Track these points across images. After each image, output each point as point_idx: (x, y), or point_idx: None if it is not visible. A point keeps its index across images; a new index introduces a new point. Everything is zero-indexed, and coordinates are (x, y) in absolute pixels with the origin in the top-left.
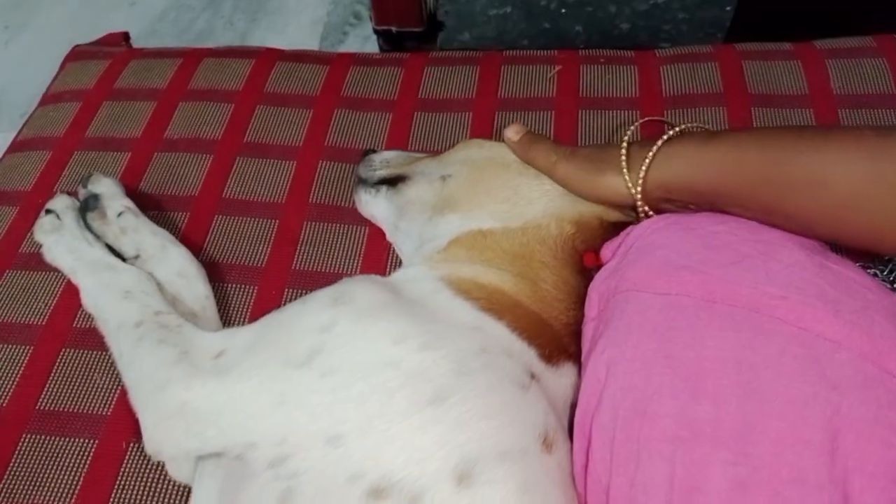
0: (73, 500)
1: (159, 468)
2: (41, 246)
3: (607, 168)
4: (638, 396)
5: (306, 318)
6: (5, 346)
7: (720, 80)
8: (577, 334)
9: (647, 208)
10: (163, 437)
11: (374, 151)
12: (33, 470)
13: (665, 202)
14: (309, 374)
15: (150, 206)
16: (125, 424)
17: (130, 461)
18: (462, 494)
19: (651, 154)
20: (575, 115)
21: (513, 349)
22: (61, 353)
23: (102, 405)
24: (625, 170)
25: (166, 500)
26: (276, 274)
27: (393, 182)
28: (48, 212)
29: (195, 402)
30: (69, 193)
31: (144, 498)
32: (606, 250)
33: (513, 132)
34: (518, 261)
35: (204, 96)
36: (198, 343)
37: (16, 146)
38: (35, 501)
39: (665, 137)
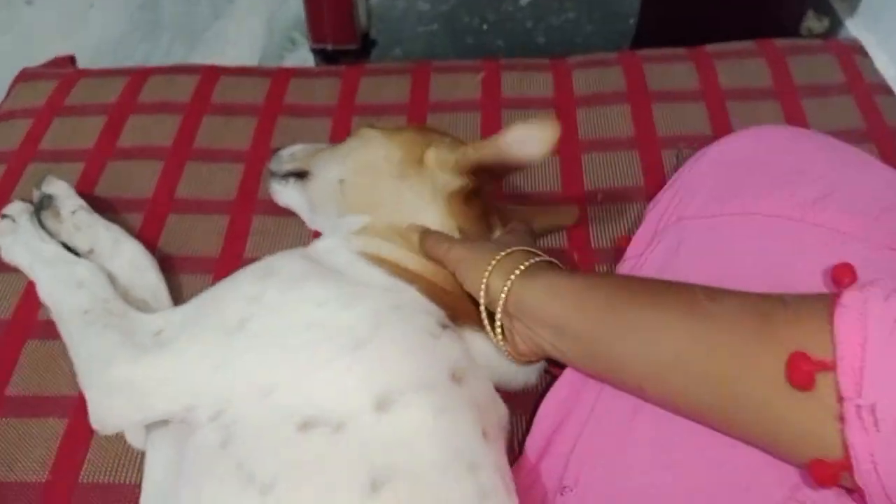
0: (46, 475)
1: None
2: None
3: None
4: None
5: (236, 291)
6: None
7: (625, 82)
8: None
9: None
10: (107, 412)
11: (281, 148)
12: (6, 451)
13: (515, 321)
14: (241, 338)
15: (105, 209)
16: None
17: (100, 436)
18: (382, 418)
19: (511, 279)
20: (498, 115)
21: (424, 307)
22: (26, 344)
23: (70, 387)
24: (482, 292)
25: (136, 469)
26: (229, 263)
27: (300, 175)
28: (4, 217)
29: (137, 377)
30: (23, 200)
31: (115, 469)
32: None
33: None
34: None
35: (153, 109)
36: (139, 324)
37: None
38: (10, 479)
39: (528, 263)
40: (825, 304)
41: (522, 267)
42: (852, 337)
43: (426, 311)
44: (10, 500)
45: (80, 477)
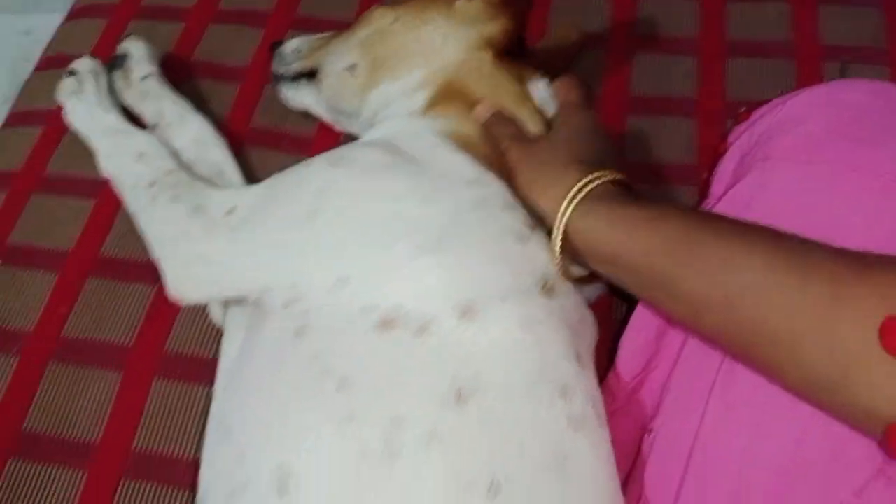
0: (132, 339)
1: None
2: (62, 107)
3: (544, 192)
4: None
5: (309, 179)
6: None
7: None
8: None
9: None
10: (183, 285)
11: (280, 43)
12: (97, 310)
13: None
14: (312, 228)
15: (202, 74)
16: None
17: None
18: (467, 325)
19: (566, 206)
20: None
21: (511, 203)
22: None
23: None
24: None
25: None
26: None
27: (310, 75)
28: (70, 73)
29: (210, 253)
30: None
31: (200, 342)
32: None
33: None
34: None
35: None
36: (210, 199)
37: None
38: (98, 338)
39: (586, 186)
40: None
41: (580, 192)
42: None
43: (512, 209)
44: (97, 357)
45: (166, 345)
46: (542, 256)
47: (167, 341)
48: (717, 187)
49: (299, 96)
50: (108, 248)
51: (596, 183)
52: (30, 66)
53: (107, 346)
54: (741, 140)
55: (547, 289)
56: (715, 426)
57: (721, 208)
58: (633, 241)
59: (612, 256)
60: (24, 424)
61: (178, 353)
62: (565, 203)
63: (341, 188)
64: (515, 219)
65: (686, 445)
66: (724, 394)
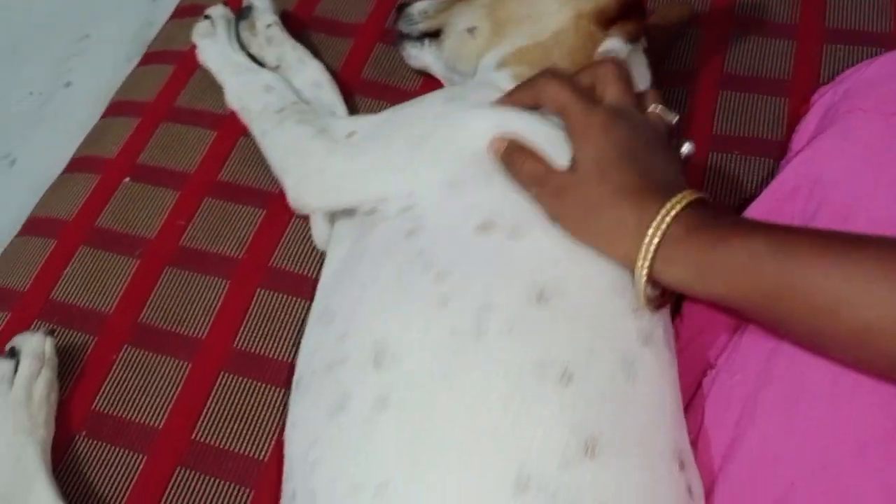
0: (242, 254)
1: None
2: (195, 47)
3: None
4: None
5: (426, 108)
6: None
7: None
8: None
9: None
10: (305, 196)
11: (407, 4)
12: (212, 227)
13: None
14: (429, 146)
15: (319, 29)
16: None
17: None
18: (554, 237)
19: (645, 253)
20: None
21: None
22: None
23: (269, 183)
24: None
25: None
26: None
27: (434, 34)
28: (205, 17)
29: (334, 166)
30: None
31: (302, 260)
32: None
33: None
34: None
35: None
36: (332, 124)
37: None
38: (212, 251)
39: (655, 235)
40: None
41: (651, 243)
42: None
43: None
44: (210, 268)
45: (272, 261)
46: None
47: (272, 258)
48: (797, 143)
49: (422, 55)
50: (225, 174)
51: (664, 225)
52: (153, 31)
53: (219, 257)
54: (825, 98)
55: None
56: (781, 369)
57: (801, 159)
58: (730, 292)
59: (709, 301)
60: (141, 317)
61: (281, 269)
62: (640, 260)
63: (454, 119)
64: None
65: (750, 383)
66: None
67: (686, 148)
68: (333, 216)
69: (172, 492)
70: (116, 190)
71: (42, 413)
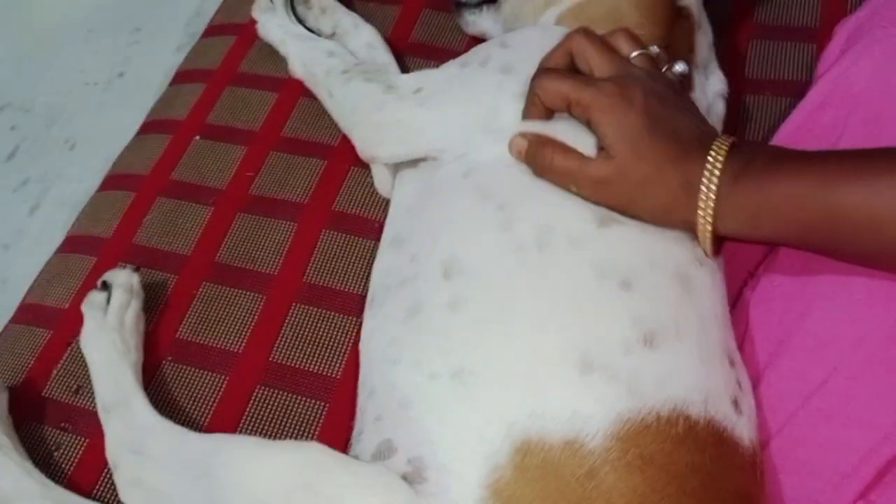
0: (307, 199)
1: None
2: (256, 22)
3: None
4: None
5: (487, 76)
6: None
7: None
8: None
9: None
10: (374, 147)
11: None
12: (278, 177)
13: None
14: (483, 109)
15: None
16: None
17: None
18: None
19: (703, 217)
20: None
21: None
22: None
23: (330, 137)
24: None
25: (380, 209)
26: None
27: (490, 1)
28: None
29: (403, 119)
30: None
31: (364, 204)
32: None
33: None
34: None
35: None
36: (397, 80)
37: None
38: (279, 197)
39: (711, 188)
40: None
41: (707, 205)
42: None
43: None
44: (278, 212)
45: (334, 205)
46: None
47: (334, 202)
48: (822, 66)
49: (480, 21)
50: (288, 130)
51: (713, 185)
52: (202, 21)
53: (285, 203)
54: (848, 23)
55: None
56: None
57: (829, 76)
58: (780, 231)
59: (761, 241)
60: (217, 257)
61: (342, 212)
62: (701, 223)
63: (517, 70)
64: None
65: (791, 283)
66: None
67: (679, 67)
68: (396, 165)
69: (253, 408)
70: (188, 147)
71: (133, 339)
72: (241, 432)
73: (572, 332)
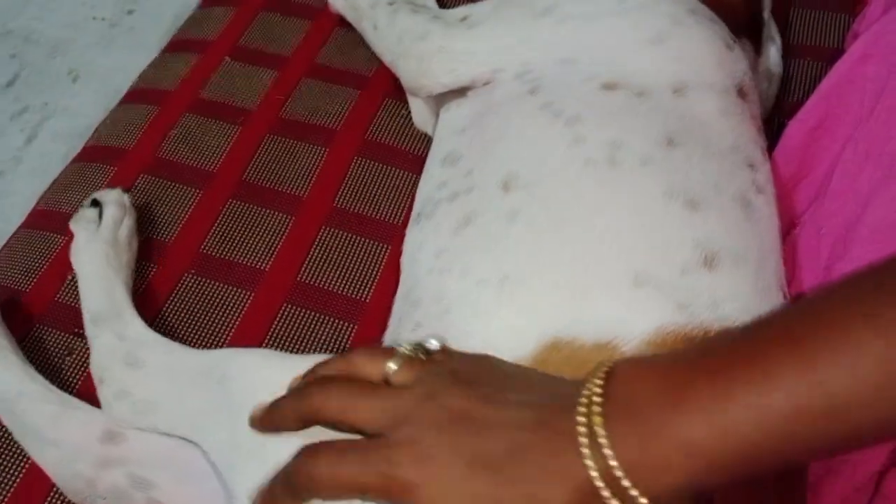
0: (339, 126)
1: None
2: None
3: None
4: None
5: None
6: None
7: None
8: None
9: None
10: (421, 76)
11: None
12: (310, 104)
13: None
14: (547, 21)
15: None
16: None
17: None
18: (678, 100)
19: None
20: None
21: (717, 19)
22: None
23: (366, 68)
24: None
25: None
26: None
27: None
28: None
29: (451, 45)
30: None
31: (399, 134)
32: None
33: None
34: None
35: None
36: (442, 12)
37: None
38: (311, 122)
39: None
40: None
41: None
42: None
43: (718, 23)
44: (309, 136)
45: (367, 134)
46: (741, 66)
47: (368, 130)
48: (861, 25)
49: None
50: (321, 58)
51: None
52: None
53: (317, 127)
54: None
55: (742, 93)
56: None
57: (871, 32)
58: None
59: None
60: (245, 175)
61: (377, 141)
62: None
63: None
64: (723, 30)
65: (841, 235)
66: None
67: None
68: (440, 98)
69: (279, 325)
70: (218, 67)
71: (125, 256)
72: (265, 347)
73: (632, 247)
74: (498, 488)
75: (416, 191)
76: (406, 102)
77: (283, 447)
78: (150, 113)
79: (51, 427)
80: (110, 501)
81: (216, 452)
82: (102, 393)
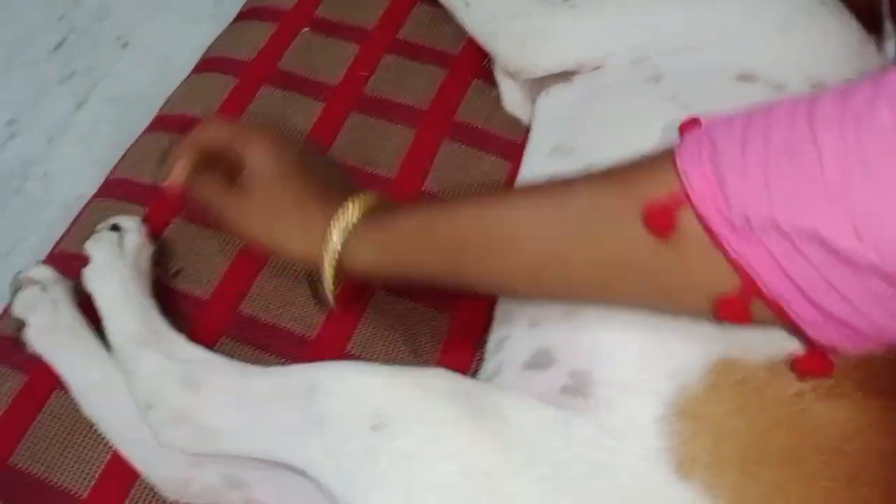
0: (427, 106)
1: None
2: None
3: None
4: None
5: None
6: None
7: None
8: None
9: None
10: (523, 57)
11: None
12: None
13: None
14: (669, 4)
15: None
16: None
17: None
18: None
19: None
20: None
21: (848, 13)
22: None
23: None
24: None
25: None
26: None
27: None
28: None
29: (554, 26)
30: None
31: (488, 118)
32: None
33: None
34: None
35: None
36: None
37: None
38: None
39: (343, 222)
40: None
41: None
42: (700, 166)
43: (849, 17)
44: (395, 116)
45: (456, 115)
46: (874, 62)
47: (457, 112)
48: None
49: None
50: (404, 33)
51: (348, 218)
52: None
53: (403, 107)
54: None
55: None
56: None
57: None
58: (412, 262)
59: (401, 280)
60: (329, 154)
61: (467, 124)
62: (327, 253)
63: None
64: (855, 23)
65: None
66: None
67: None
68: (537, 81)
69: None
70: (295, 38)
71: (147, 286)
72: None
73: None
74: (274, 204)
75: (508, 178)
76: (495, 84)
77: (390, 443)
78: (227, 84)
79: (139, 423)
80: (206, 500)
81: (313, 467)
82: (153, 418)
